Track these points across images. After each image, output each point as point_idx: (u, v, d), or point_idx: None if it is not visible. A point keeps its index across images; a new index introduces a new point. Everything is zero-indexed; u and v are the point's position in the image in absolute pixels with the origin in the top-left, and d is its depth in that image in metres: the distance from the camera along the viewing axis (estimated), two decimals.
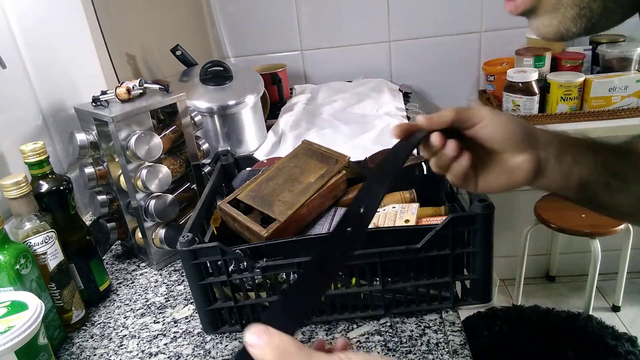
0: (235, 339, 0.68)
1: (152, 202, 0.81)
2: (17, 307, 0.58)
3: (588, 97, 1.62)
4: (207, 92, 1.21)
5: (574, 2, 0.37)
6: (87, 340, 0.72)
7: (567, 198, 0.55)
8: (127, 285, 0.84)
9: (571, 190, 0.52)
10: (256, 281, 0.65)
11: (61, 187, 0.73)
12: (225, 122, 1.22)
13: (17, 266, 0.62)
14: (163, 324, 0.73)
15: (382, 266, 0.64)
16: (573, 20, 0.38)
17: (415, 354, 0.60)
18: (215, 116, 1.20)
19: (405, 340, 0.63)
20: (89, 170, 0.83)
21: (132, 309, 0.78)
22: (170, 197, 0.84)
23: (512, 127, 0.49)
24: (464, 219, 0.62)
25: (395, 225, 0.70)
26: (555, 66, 1.75)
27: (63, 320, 0.72)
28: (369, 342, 0.64)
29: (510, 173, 0.51)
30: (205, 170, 0.95)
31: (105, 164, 0.83)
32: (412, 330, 0.64)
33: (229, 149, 1.19)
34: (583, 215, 1.75)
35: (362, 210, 0.39)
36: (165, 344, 0.69)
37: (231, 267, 0.64)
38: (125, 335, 0.72)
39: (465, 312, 0.85)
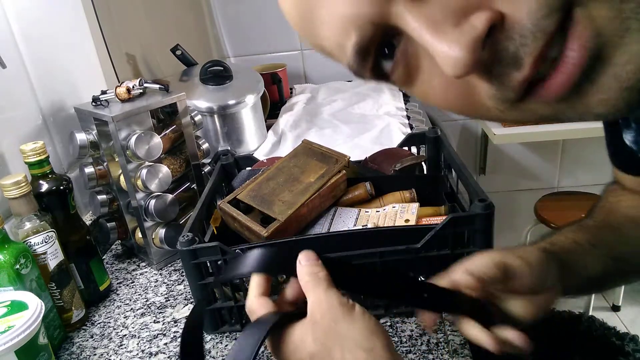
0: (235, 339, 0.68)
1: (152, 201, 0.81)
2: (17, 306, 0.58)
3: None
4: (207, 92, 1.21)
5: None
6: (87, 340, 0.72)
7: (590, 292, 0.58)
8: (127, 285, 0.84)
9: (587, 289, 0.55)
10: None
11: (61, 187, 0.73)
12: (225, 121, 1.22)
13: (17, 266, 0.62)
14: (163, 324, 0.73)
15: (382, 266, 0.64)
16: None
17: (415, 353, 0.60)
18: (215, 116, 1.20)
19: (405, 340, 0.63)
20: (89, 170, 0.83)
21: (132, 308, 0.78)
22: (170, 196, 0.84)
23: (543, 274, 0.48)
24: (464, 218, 0.62)
25: (395, 225, 0.70)
26: None
27: (63, 320, 0.72)
28: None
29: (539, 306, 0.50)
30: (205, 170, 0.95)
31: (105, 164, 0.83)
32: (412, 330, 0.64)
33: (229, 148, 1.18)
34: (583, 215, 1.74)
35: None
36: (165, 344, 0.69)
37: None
38: (125, 335, 0.72)
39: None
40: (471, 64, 0.24)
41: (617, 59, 0.23)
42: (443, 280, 0.48)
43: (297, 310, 0.41)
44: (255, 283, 0.43)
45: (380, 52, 0.29)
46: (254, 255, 0.42)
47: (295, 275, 0.41)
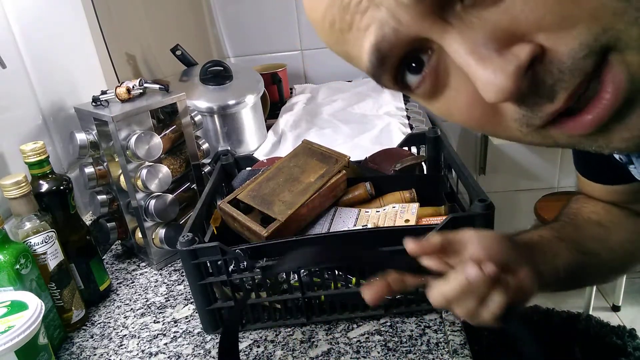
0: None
1: (152, 202, 0.81)
2: (17, 307, 0.58)
3: None
4: (207, 92, 1.21)
5: None
6: (87, 340, 0.72)
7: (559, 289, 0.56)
8: (127, 285, 0.84)
9: (556, 284, 0.54)
10: (256, 281, 0.65)
11: (61, 187, 0.73)
12: (225, 122, 1.22)
13: (17, 266, 0.62)
14: (163, 324, 0.73)
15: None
16: None
17: (415, 353, 0.60)
18: (215, 116, 1.20)
19: (405, 340, 0.63)
20: (89, 170, 0.83)
21: (132, 308, 0.78)
22: (170, 197, 0.84)
23: (497, 247, 0.47)
24: (464, 218, 0.62)
25: (395, 225, 0.70)
26: None
27: (63, 320, 0.72)
28: (369, 341, 0.64)
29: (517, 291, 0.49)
30: (205, 170, 0.95)
31: (105, 164, 0.83)
32: (412, 330, 0.64)
33: (229, 148, 1.19)
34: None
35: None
36: (165, 344, 0.69)
37: (231, 266, 0.64)
38: (125, 335, 0.72)
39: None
40: (512, 92, 0.25)
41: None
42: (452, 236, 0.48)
43: None
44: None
45: (408, 66, 0.30)
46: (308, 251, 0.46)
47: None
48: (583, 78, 0.24)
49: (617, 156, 0.52)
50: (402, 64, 0.30)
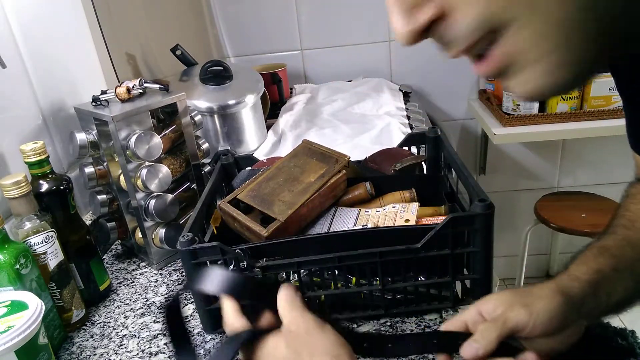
0: None
1: (152, 201, 0.81)
2: (17, 306, 0.59)
3: (588, 96, 1.62)
4: (207, 92, 1.21)
5: (560, 42, 0.29)
6: (87, 340, 0.72)
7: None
8: (127, 285, 0.84)
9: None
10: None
11: (61, 187, 0.73)
12: (225, 121, 1.22)
13: (17, 266, 0.62)
14: (163, 324, 0.73)
15: (382, 266, 0.64)
16: (558, 69, 0.30)
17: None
18: (215, 116, 1.20)
19: None
20: (89, 169, 0.83)
21: (132, 308, 0.78)
22: (170, 196, 0.84)
23: (555, 322, 0.48)
24: (464, 218, 0.62)
25: (395, 224, 0.70)
26: None
27: (63, 319, 0.72)
28: None
29: (560, 342, 0.50)
30: (205, 170, 0.95)
31: (105, 164, 0.83)
32: (412, 330, 0.64)
33: (229, 148, 1.19)
34: (583, 215, 1.75)
35: None
36: (166, 344, 0.69)
37: (231, 266, 0.64)
38: (125, 334, 0.72)
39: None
40: (412, 42, 0.32)
41: (519, 78, 0.31)
42: (455, 322, 0.50)
43: (271, 327, 0.45)
44: (230, 303, 0.47)
45: None
46: (223, 277, 0.45)
47: (264, 305, 0.46)
48: (472, 43, 0.30)
49: None
50: None
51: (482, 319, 0.49)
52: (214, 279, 0.45)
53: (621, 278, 0.54)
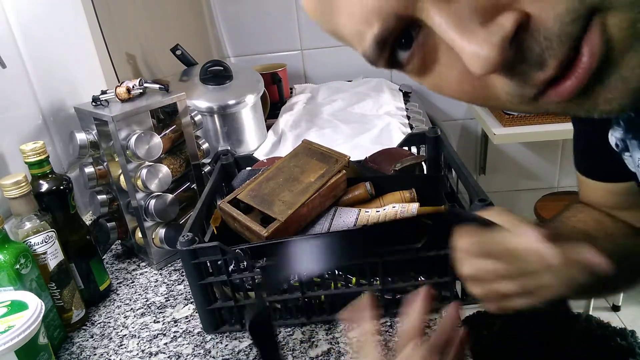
0: (235, 339, 0.68)
1: (152, 201, 0.81)
2: (17, 306, 0.59)
3: None
4: (207, 92, 1.21)
5: None
6: (87, 340, 0.72)
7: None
8: (127, 285, 0.84)
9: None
10: (256, 281, 0.65)
11: (61, 187, 0.73)
12: (225, 121, 1.22)
13: (17, 266, 0.62)
14: (163, 324, 0.73)
15: (382, 266, 0.64)
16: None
17: None
18: (215, 116, 1.20)
19: None
20: (89, 169, 0.83)
21: (132, 308, 0.78)
22: (170, 196, 0.84)
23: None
24: None
25: None
26: None
27: (63, 319, 0.72)
28: None
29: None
30: (205, 170, 0.95)
31: (105, 164, 0.83)
32: None
33: (229, 148, 1.19)
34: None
35: None
36: (165, 344, 0.69)
37: (231, 266, 0.64)
38: (125, 334, 0.72)
39: (465, 311, 0.84)
40: (499, 63, 0.24)
41: (625, 63, 0.24)
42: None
43: None
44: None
45: (397, 42, 0.30)
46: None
47: None
48: (571, 44, 0.24)
49: (613, 143, 0.51)
50: (393, 42, 0.30)
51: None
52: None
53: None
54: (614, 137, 0.50)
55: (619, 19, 0.23)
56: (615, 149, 0.51)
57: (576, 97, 0.26)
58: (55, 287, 0.70)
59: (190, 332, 0.70)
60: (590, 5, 0.23)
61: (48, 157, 0.71)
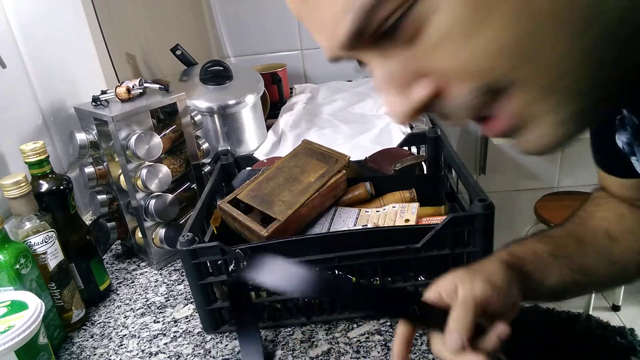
0: (235, 339, 0.68)
1: (152, 201, 0.81)
2: (17, 306, 0.59)
3: None
4: (207, 92, 1.21)
5: (567, 94, 0.28)
6: (87, 340, 0.72)
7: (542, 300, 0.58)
8: (127, 285, 0.84)
9: (545, 298, 0.55)
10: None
11: (61, 187, 0.73)
12: (225, 121, 1.22)
13: (17, 266, 0.62)
14: (163, 324, 0.73)
15: (382, 266, 0.64)
16: (570, 119, 0.29)
17: (415, 353, 0.60)
18: (215, 116, 1.20)
19: None
20: (89, 169, 0.83)
21: (132, 308, 0.78)
22: (170, 196, 0.84)
23: (514, 294, 0.49)
24: (464, 218, 0.62)
25: (396, 224, 0.70)
26: None
27: (63, 319, 0.72)
28: (369, 341, 0.64)
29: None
30: (205, 170, 0.95)
31: (105, 164, 0.83)
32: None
33: (229, 148, 1.19)
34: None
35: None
36: (166, 344, 0.69)
37: (231, 266, 0.64)
38: (125, 334, 0.72)
39: None
40: (410, 120, 0.32)
41: (539, 122, 0.30)
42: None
43: None
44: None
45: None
46: (289, 271, 0.43)
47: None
48: (472, 112, 0.30)
49: (620, 145, 0.52)
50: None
51: (442, 299, 0.48)
52: (278, 272, 0.43)
53: (558, 265, 0.55)
54: (621, 140, 0.51)
55: (523, 100, 0.28)
56: (624, 149, 0.51)
57: (508, 134, 0.31)
58: (55, 287, 0.70)
59: (190, 332, 0.70)
60: (495, 87, 0.28)
61: (48, 157, 0.71)
